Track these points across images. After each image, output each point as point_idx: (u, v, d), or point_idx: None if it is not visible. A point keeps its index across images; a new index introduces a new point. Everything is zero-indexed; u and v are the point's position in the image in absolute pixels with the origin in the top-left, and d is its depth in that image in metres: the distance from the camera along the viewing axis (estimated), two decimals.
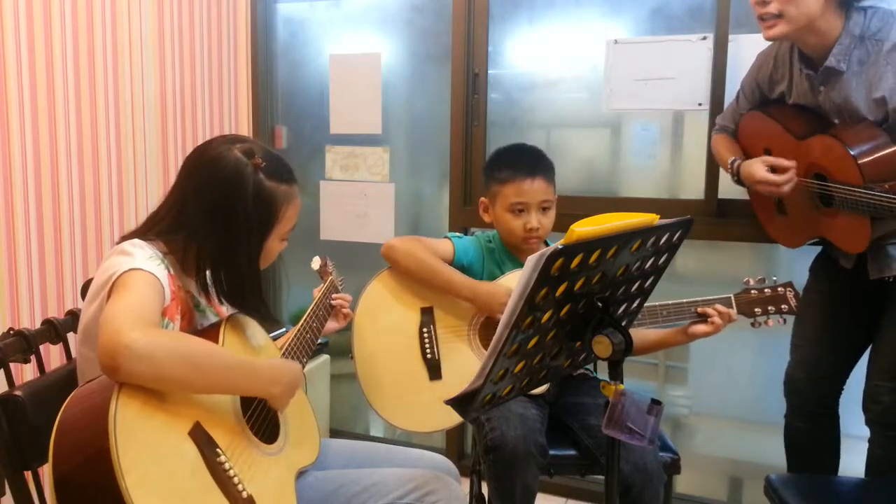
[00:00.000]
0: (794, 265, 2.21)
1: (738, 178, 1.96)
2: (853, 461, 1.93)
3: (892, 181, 1.65)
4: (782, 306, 1.70)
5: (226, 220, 1.24)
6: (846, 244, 1.81)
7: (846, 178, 1.71)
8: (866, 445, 1.90)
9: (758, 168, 1.86)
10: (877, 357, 1.86)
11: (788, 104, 1.92)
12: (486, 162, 1.94)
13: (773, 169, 1.85)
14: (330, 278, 1.73)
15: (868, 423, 1.86)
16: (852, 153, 1.68)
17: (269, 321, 1.37)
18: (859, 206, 1.68)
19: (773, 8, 1.68)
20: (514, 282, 1.04)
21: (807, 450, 2.05)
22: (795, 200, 1.89)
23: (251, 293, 1.29)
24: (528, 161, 1.83)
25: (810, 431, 2.03)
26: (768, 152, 1.92)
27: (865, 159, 1.67)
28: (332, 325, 1.70)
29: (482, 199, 1.90)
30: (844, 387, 1.99)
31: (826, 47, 1.73)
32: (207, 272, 1.31)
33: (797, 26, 1.69)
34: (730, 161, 1.98)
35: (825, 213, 1.82)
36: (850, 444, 1.91)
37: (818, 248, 2.02)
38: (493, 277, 1.84)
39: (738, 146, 2.05)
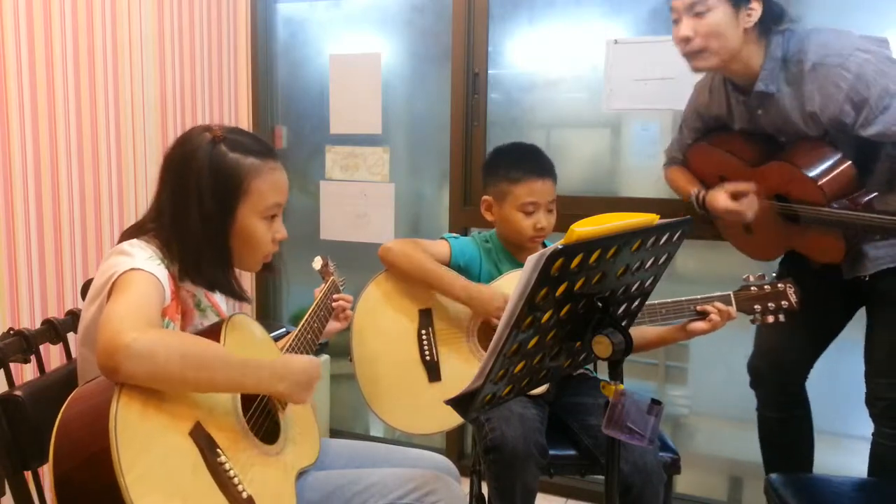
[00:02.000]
0: None
1: (704, 209, 1.98)
2: (853, 461, 1.93)
3: (852, 194, 1.70)
4: (782, 303, 1.70)
5: (180, 191, 1.25)
6: (822, 256, 1.83)
7: (808, 196, 1.74)
8: (866, 445, 1.90)
9: (720, 198, 1.89)
10: (870, 357, 1.87)
11: (732, 130, 1.96)
12: (487, 160, 1.94)
13: (734, 195, 1.88)
14: (331, 278, 1.73)
15: (872, 416, 1.88)
16: (810, 175, 1.73)
17: (237, 296, 1.34)
18: (827, 223, 1.72)
19: (696, 45, 1.75)
20: (511, 283, 1.04)
21: (780, 439, 2.07)
22: (761, 221, 1.90)
23: (209, 266, 1.26)
24: (538, 161, 1.84)
25: (781, 421, 2.05)
26: (724, 179, 1.95)
27: (825, 179, 1.72)
28: (333, 325, 1.69)
29: (485, 197, 1.89)
30: (839, 388, 2.00)
31: (753, 74, 1.79)
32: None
33: (721, 59, 1.76)
34: (693, 193, 2.00)
35: (794, 229, 1.84)
36: (851, 444, 1.91)
37: None
38: (490, 278, 1.84)
39: (693, 176, 2.07)
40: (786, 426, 2.05)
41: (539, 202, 1.80)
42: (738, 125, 1.94)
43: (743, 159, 1.90)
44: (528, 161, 1.84)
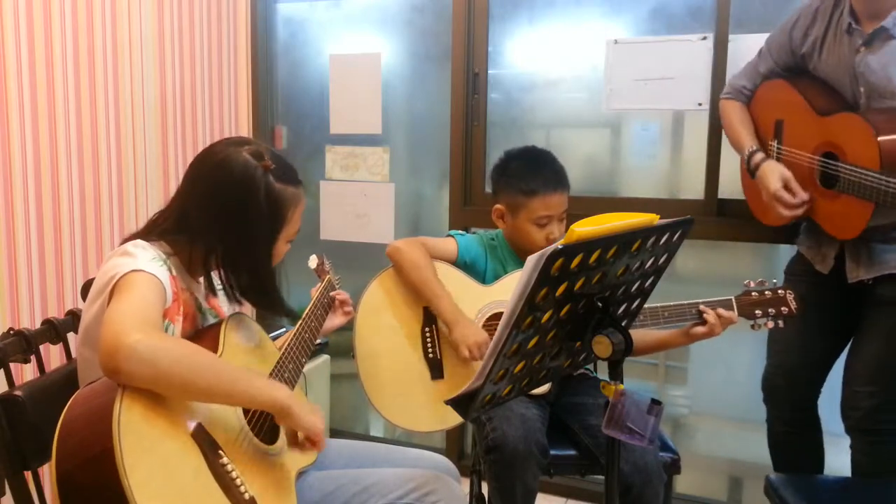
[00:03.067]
0: None
1: (750, 168, 1.93)
2: (848, 461, 1.93)
3: None
4: (782, 308, 1.70)
5: (240, 222, 1.24)
6: (837, 229, 1.79)
7: (861, 158, 1.68)
8: None
9: (774, 180, 1.84)
10: (854, 363, 1.85)
11: (816, 78, 1.88)
12: (499, 166, 1.89)
13: (787, 185, 1.84)
14: (327, 277, 1.72)
15: (848, 430, 1.85)
16: (874, 129, 1.66)
17: (293, 316, 1.42)
18: (866, 190, 1.66)
19: None
20: (512, 286, 1.04)
21: (790, 451, 2.05)
22: (795, 176, 1.86)
23: (274, 293, 1.32)
24: (553, 174, 1.81)
25: (793, 435, 2.03)
26: (780, 123, 1.90)
27: (886, 137, 1.65)
28: (333, 322, 1.68)
29: (497, 206, 1.86)
30: (832, 389, 1.99)
31: (886, 7, 1.70)
32: (216, 273, 1.31)
33: None
34: (748, 149, 1.94)
35: (823, 194, 1.80)
36: (846, 443, 1.91)
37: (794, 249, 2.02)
38: (496, 275, 1.84)
39: (751, 120, 2.01)
40: (797, 438, 2.03)
41: (554, 215, 1.79)
42: (823, 56, 1.84)
43: (813, 105, 1.83)
44: (543, 173, 1.80)
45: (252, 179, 1.24)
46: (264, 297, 1.33)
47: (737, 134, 2.02)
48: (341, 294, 1.69)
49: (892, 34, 1.70)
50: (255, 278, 1.30)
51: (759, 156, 1.93)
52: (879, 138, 1.65)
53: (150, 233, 1.28)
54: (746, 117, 2.03)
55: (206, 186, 1.26)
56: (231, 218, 1.24)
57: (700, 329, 1.66)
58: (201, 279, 1.36)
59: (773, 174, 1.86)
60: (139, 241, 1.23)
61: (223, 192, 1.24)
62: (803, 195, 1.82)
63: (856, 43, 1.77)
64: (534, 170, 1.82)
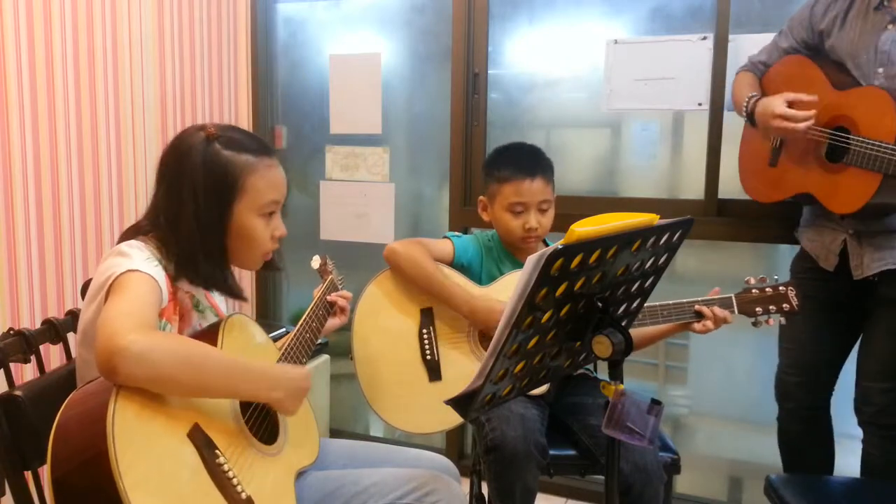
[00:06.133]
0: None
1: (751, 116, 1.91)
2: (849, 461, 1.93)
3: None
4: (783, 305, 1.69)
5: (175, 189, 1.25)
6: (836, 203, 1.78)
7: (876, 130, 1.67)
8: (860, 445, 1.90)
9: (777, 102, 1.81)
10: (866, 359, 1.86)
11: (833, 60, 1.86)
12: (485, 160, 1.93)
13: (792, 103, 1.80)
14: (330, 277, 1.72)
15: (861, 424, 1.87)
16: (894, 101, 1.65)
17: (234, 294, 1.34)
18: (876, 161, 1.65)
19: None
20: (511, 284, 1.04)
21: (802, 450, 2.05)
22: (797, 149, 1.85)
23: (205, 264, 1.26)
24: (527, 161, 1.82)
25: (804, 433, 2.03)
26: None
27: None
28: (333, 322, 1.68)
29: (481, 197, 1.89)
30: (836, 388, 2.00)
31: None
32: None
33: None
34: (748, 96, 1.92)
35: (827, 167, 1.80)
36: (851, 444, 1.91)
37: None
38: (492, 277, 1.84)
39: (758, 85, 1.99)
40: (808, 438, 2.04)
41: (528, 202, 1.78)
42: (841, 36, 1.82)
43: (830, 79, 1.81)
44: (517, 160, 1.81)
45: (190, 147, 1.25)
46: (200, 266, 1.26)
47: (738, 92, 1.99)
48: (341, 301, 1.69)
49: None
50: (189, 244, 1.24)
51: (756, 96, 1.90)
52: None
53: (139, 231, 1.28)
54: (754, 80, 2.00)
55: (162, 169, 1.29)
56: (171, 188, 1.25)
57: (696, 325, 1.67)
58: None
59: (774, 98, 1.83)
60: (134, 241, 1.23)
61: (170, 167, 1.27)
62: (810, 98, 1.78)
63: (884, 20, 1.75)
64: (509, 157, 1.83)
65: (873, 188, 1.68)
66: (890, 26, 1.74)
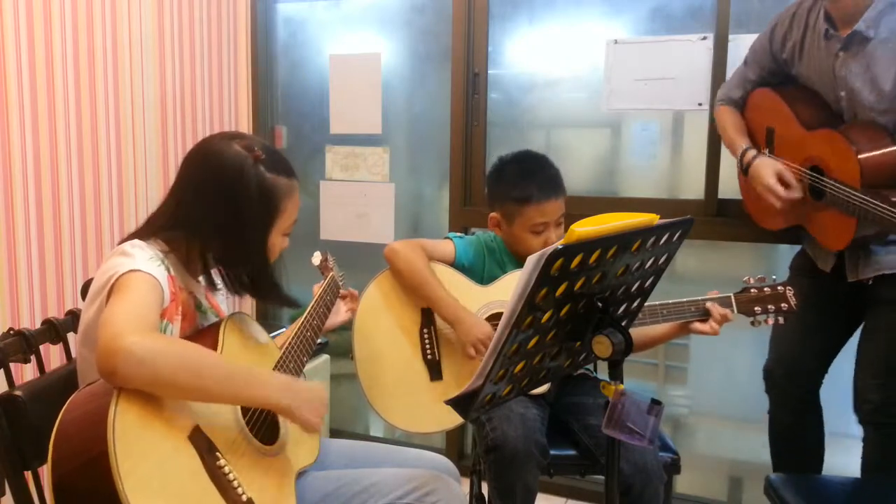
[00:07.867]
0: None
1: (744, 167, 1.95)
2: (853, 461, 1.93)
3: (889, 189, 1.65)
4: (782, 305, 1.70)
5: (232, 213, 1.24)
6: (827, 240, 1.83)
7: (844, 174, 1.71)
8: (860, 445, 1.90)
9: (768, 174, 1.86)
10: (863, 358, 1.87)
11: (803, 87, 1.90)
12: (493, 173, 1.87)
13: (782, 179, 1.85)
14: (331, 274, 1.72)
15: (860, 422, 1.87)
16: (855, 151, 1.69)
17: (295, 306, 1.42)
18: (849, 207, 1.69)
19: None
20: (512, 284, 1.04)
21: (791, 443, 2.06)
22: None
23: (270, 284, 1.33)
24: (547, 180, 1.78)
25: (794, 425, 2.04)
26: (772, 131, 1.93)
27: (866, 154, 1.68)
28: (334, 319, 1.67)
29: (492, 214, 1.85)
30: (835, 388, 2.00)
31: (858, 10, 1.70)
32: (215, 268, 1.32)
33: None
34: (742, 148, 1.96)
35: (813, 205, 1.83)
36: (851, 444, 1.91)
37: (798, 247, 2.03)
38: (494, 277, 1.84)
39: (744, 125, 2.03)
40: (797, 430, 2.04)
41: (550, 221, 1.77)
42: (804, 61, 1.86)
43: (799, 118, 1.86)
44: (537, 179, 1.77)
45: (242, 170, 1.24)
46: (263, 288, 1.35)
47: (730, 137, 2.04)
48: (354, 291, 1.70)
49: (866, 36, 1.72)
50: (251, 270, 1.31)
51: (752, 153, 1.95)
52: (860, 157, 1.68)
53: (147, 230, 1.28)
54: (740, 122, 2.05)
55: (198, 179, 1.26)
56: (223, 209, 1.24)
57: (697, 326, 1.67)
58: (201, 277, 1.36)
59: (767, 168, 1.88)
60: (136, 241, 1.23)
61: (214, 183, 1.24)
62: (797, 187, 1.84)
63: (834, 48, 1.78)
64: (528, 177, 1.79)
65: (852, 229, 1.72)
66: (841, 53, 1.77)
